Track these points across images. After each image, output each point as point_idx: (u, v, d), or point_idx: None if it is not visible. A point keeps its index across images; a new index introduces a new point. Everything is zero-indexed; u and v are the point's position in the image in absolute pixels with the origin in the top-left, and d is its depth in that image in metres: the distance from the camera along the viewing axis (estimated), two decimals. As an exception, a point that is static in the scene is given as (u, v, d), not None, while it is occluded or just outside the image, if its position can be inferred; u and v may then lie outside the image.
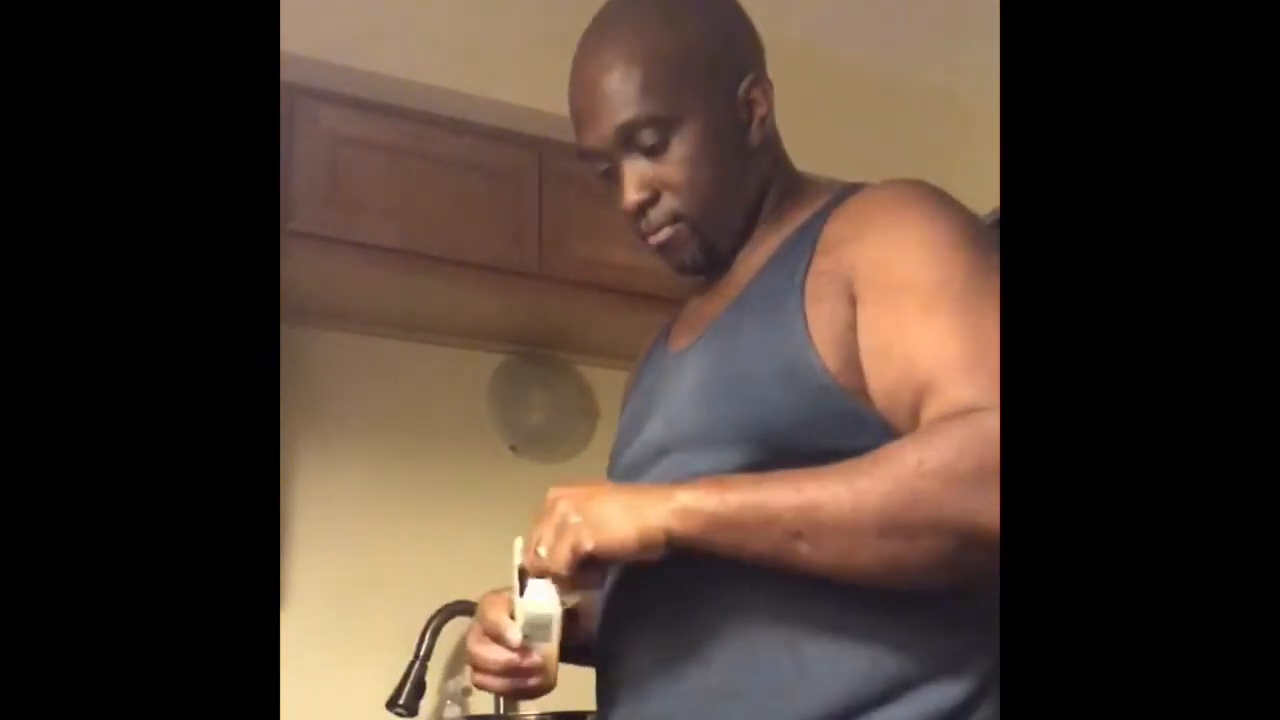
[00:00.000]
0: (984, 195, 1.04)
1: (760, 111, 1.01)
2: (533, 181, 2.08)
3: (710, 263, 1.04)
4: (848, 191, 1.00)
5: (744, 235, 1.03)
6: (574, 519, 0.85)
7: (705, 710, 0.89)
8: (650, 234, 1.02)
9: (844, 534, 0.81)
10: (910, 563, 0.81)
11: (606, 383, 2.39)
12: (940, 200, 0.94)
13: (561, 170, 2.06)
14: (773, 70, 1.05)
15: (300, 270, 1.87)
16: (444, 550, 2.19)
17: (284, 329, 1.73)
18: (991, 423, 0.77)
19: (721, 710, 0.88)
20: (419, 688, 2.00)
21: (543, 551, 0.85)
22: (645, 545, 0.83)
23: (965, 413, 0.80)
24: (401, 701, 1.97)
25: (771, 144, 1.04)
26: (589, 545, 0.83)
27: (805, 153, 1.11)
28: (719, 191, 1.00)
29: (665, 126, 0.97)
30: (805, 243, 0.96)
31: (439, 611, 2.05)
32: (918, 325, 0.86)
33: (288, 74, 1.27)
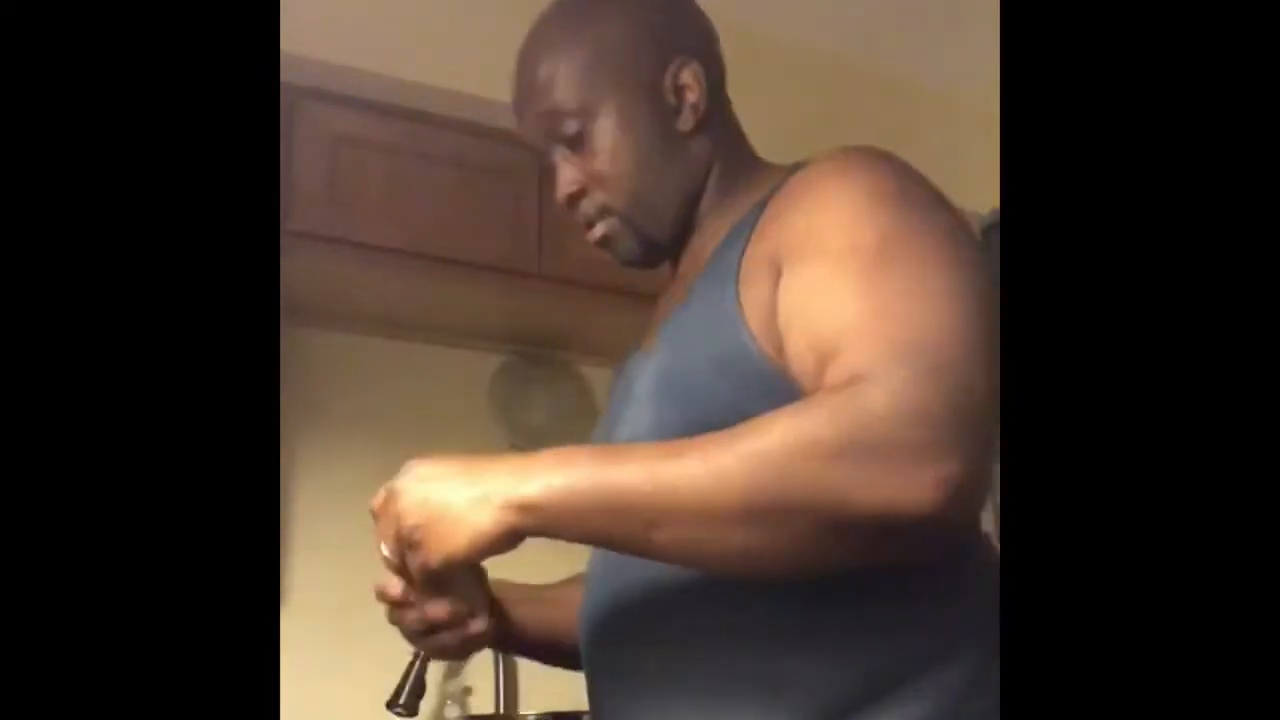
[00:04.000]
0: (984, 195, 1.04)
1: (691, 97, 0.99)
2: (533, 181, 2.07)
3: (651, 255, 1.02)
4: (796, 169, 0.94)
5: (684, 224, 1.00)
6: (411, 524, 0.81)
7: None
8: (588, 228, 1.02)
9: (703, 520, 0.74)
10: (775, 549, 0.74)
11: (607, 383, 2.37)
12: (873, 164, 0.87)
13: (561, 170, 2.05)
14: (770, 70, 1.05)
15: (300, 270, 1.87)
16: (444, 550, 2.18)
17: (284, 329, 1.73)
18: (874, 395, 0.71)
19: None
20: (419, 688, 1.99)
21: (385, 552, 0.85)
22: (485, 551, 0.79)
23: (850, 382, 0.73)
24: (401, 701, 1.95)
25: (711, 129, 1.00)
26: (435, 563, 0.81)
27: (804, 152, 1.11)
28: (644, 180, 0.98)
29: (583, 117, 0.98)
30: (745, 228, 0.92)
31: (439, 611, 2.04)
32: (825, 291, 0.81)
33: (288, 74, 1.26)
